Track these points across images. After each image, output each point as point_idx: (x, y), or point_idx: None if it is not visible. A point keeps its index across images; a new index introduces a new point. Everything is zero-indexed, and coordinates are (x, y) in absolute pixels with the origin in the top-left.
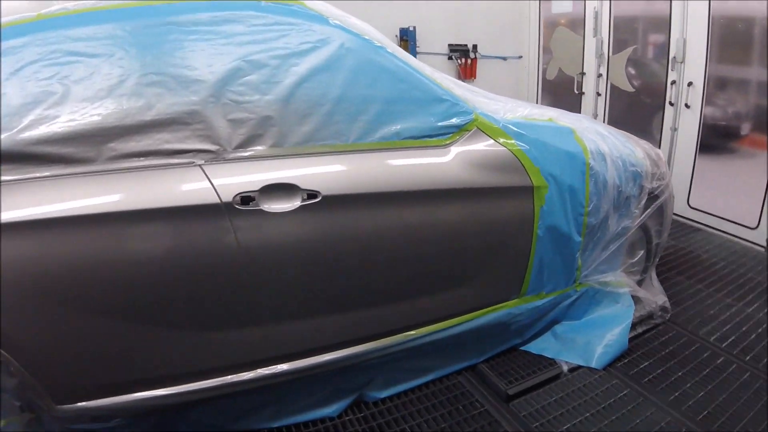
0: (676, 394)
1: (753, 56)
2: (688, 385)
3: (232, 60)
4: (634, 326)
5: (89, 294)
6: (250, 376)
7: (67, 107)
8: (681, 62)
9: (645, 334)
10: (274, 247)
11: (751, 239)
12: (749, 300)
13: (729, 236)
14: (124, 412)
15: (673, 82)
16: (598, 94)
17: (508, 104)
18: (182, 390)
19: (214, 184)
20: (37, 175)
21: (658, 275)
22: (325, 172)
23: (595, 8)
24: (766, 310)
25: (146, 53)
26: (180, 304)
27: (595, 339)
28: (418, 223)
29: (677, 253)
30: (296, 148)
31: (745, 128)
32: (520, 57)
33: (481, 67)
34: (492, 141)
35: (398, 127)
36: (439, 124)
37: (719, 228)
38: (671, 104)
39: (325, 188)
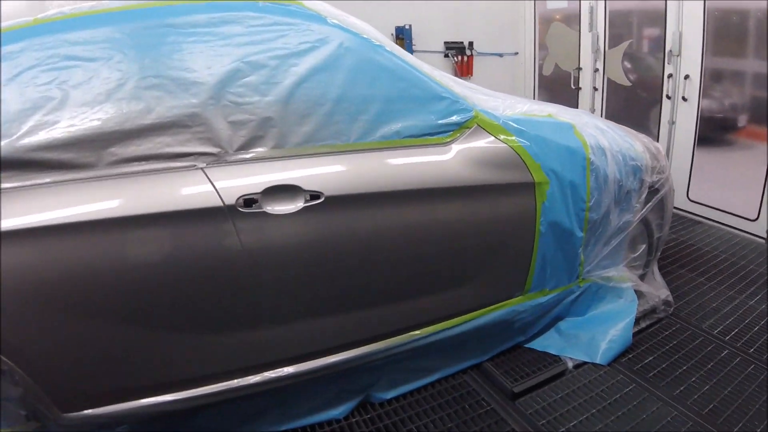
0: (682, 388)
1: (748, 48)
2: (693, 378)
3: (231, 61)
4: (637, 321)
5: (93, 300)
6: (256, 379)
7: (66, 112)
8: (677, 55)
9: (649, 329)
10: (278, 249)
11: (751, 231)
12: (751, 292)
13: (729, 228)
14: (129, 418)
15: (670, 76)
16: (595, 89)
17: (507, 101)
18: (188, 395)
19: (217, 187)
20: (38, 181)
21: (659, 269)
22: (327, 173)
23: (590, 3)
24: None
25: (145, 56)
26: (184, 309)
27: (599, 335)
28: (420, 222)
29: (678, 246)
30: (298, 148)
31: (743, 120)
32: (516, 53)
33: (478, 64)
34: (492, 138)
35: (399, 125)
36: (440, 122)
37: (719, 220)
38: (668, 98)
39: (328, 189)
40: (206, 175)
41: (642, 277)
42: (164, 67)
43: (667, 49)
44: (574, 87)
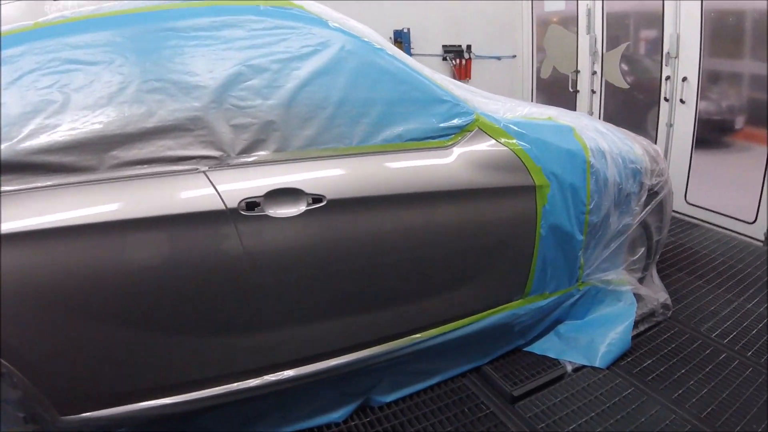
0: (680, 391)
1: (746, 50)
2: (692, 382)
3: (233, 65)
4: (636, 324)
5: (93, 303)
6: (256, 383)
7: (67, 116)
8: (675, 57)
9: (647, 332)
10: (280, 253)
11: (748, 234)
12: (749, 295)
13: (727, 231)
14: (129, 421)
15: (668, 78)
16: (593, 92)
17: (507, 104)
18: (188, 399)
19: (219, 191)
20: (39, 184)
21: (658, 272)
22: (329, 176)
23: (587, 5)
24: (766, 305)
25: (146, 60)
26: (186, 312)
27: (598, 338)
28: (422, 226)
29: (676, 249)
30: (300, 152)
31: (740, 122)
32: (514, 56)
33: (476, 67)
34: (494, 141)
35: (400, 129)
36: (441, 125)
37: (717, 223)
38: (666, 100)
39: (330, 192)
40: (208, 179)
41: (641, 281)
42: (166, 71)
43: (665, 51)
44: (571, 90)
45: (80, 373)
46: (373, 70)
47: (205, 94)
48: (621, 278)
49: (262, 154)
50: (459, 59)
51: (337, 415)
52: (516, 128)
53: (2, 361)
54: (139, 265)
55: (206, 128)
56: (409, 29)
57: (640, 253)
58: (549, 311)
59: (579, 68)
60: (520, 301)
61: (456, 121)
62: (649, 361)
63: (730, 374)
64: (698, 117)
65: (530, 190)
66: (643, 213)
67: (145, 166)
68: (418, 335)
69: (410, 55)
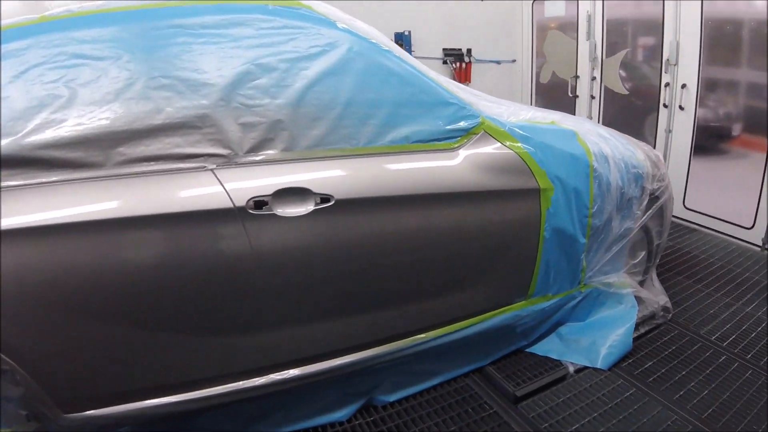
0: (681, 392)
1: (744, 58)
2: (692, 383)
3: (242, 63)
4: (637, 326)
5: (97, 301)
6: (261, 381)
7: (74, 111)
8: (674, 64)
9: (648, 334)
10: (287, 252)
11: (746, 239)
12: (747, 299)
13: (725, 236)
14: (132, 420)
15: (667, 85)
16: (592, 97)
17: (510, 108)
18: (192, 397)
19: (227, 189)
20: (45, 180)
21: (657, 276)
22: (337, 176)
23: (588, 11)
24: (765, 309)
25: (154, 56)
26: (192, 310)
27: (599, 340)
28: (428, 227)
29: (675, 254)
30: (308, 151)
31: (738, 129)
32: (514, 61)
33: (476, 71)
34: (499, 144)
35: (407, 130)
36: (447, 127)
37: (715, 228)
38: (665, 106)
39: (338, 192)
40: (216, 177)
41: (641, 284)
42: (174, 68)
43: (665, 58)
44: (571, 95)
45: (83, 371)
46: (381, 71)
47: (214, 92)
48: (622, 281)
49: (270, 153)
50: (459, 63)
51: (340, 414)
52: (521, 132)
53: (4, 357)
54: (145, 263)
55: (214, 126)
56: (410, 32)
57: (641, 256)
58: (551, 313)
59: (578, 73)
60: (523, 302)
61: (462, 124)
62: (650, 363)
63: (730, 376)
64: (697, 124)
65: (534, 193)
66: (645, 217)
67: (153, 163)
68: (422, 335)
69: None
